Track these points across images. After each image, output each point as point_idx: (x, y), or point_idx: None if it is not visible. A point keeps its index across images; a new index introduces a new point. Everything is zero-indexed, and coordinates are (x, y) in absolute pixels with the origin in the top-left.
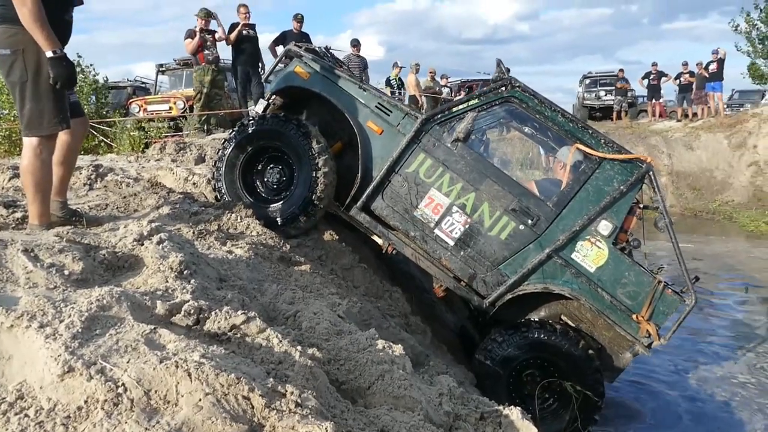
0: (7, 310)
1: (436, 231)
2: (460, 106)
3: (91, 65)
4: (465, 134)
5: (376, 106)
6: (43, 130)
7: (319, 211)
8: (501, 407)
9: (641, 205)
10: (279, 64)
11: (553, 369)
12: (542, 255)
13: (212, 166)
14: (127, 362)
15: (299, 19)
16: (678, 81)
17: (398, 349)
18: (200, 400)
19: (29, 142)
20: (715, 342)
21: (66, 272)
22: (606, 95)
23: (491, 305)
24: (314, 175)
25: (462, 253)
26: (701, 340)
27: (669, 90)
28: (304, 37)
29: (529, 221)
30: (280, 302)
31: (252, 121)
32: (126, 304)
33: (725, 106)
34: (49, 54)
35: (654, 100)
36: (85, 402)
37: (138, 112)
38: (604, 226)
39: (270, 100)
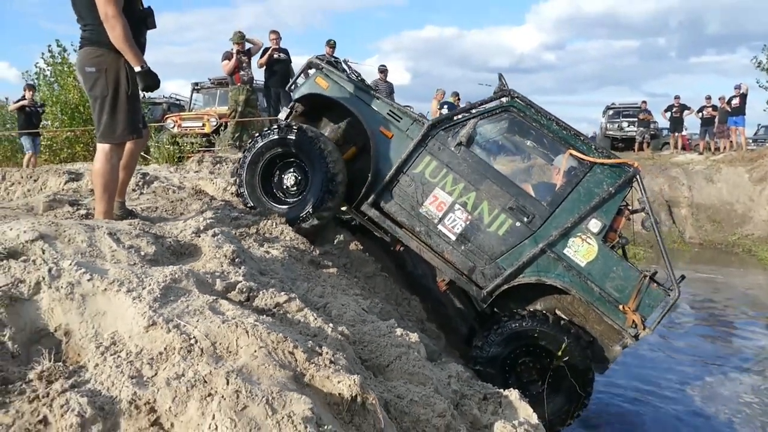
0: (101, 277)
1: (440, 227)
2: (464, 114)
3: None
4: (468, 139)
5: (387, 113)
6: (116, 139)
7: (340, 186)
8: (502, 390)
9: (630, 208)
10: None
11: (539, 351)
12: (536, 249)
13: (235, 194)
14: (197, 321)
15: (331, 44)
16: (701, 114)
17: (414, 336)
18: (255, 351)
19: (102, 148)
20: (724, 365)
21: (142, 253)
22: (629, 126)
23: (489, 295)
24: (323, 156)
25: (463, 247)
26: (711, 363)
27: (695, 123)
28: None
29: (525, 219)
30: (311, 295)
31: (252, 141)
32: (192, 280)
33: (751, 140)
34: (137, 69)
35: (676, 133)
36: (165, 349)
37: (173, 127)
38: (594, 224)
39: (292, 108)
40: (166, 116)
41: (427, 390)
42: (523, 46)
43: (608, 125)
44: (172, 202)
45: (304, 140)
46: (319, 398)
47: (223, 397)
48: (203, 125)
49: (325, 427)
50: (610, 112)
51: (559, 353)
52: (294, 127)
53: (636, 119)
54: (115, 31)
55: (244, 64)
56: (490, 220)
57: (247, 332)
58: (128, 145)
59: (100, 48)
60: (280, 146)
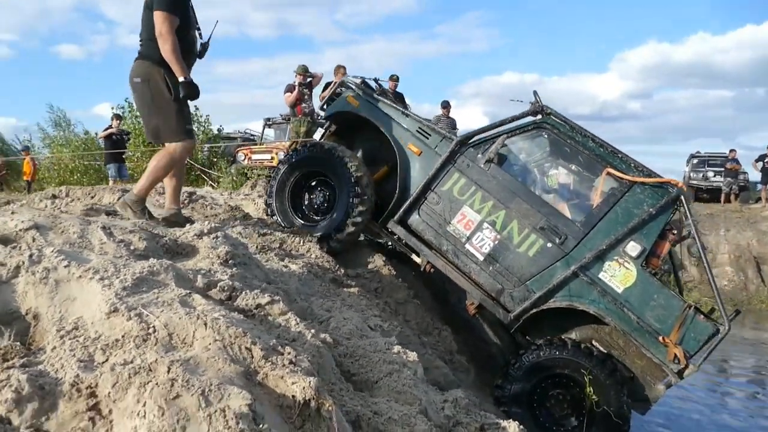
0: (79, 265)
1: (467, 246)
2: (494, 130)
3: (207, 116)
4: (497, 156)
5: (417, 130)
6: (173, 138)
7: (368, 189)
8: (501, 420)
9: (674, 231)
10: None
11: (565, 381)
12: (568, 272)
13: (272, 219)
14: (161, 312)
15: (395, 79)
16: None
17: (412, 355)
18: (210, 344)
19: (170, 145)
20: None
21: (132, 247)
22: (714, 176)
23: (516, 319)
24: (343, 164)
25: (491, 268)
26: None
27: None
28: (398, 97)
29: (557, 239)
30: (317, 308)
31: (275, 170)
32: (172, 274)
33: None
34: (181, 79)
35: None
36: (122, 336)
37: (243, 160)
38: (633, 247)
39: (326, 128)
40: (237, 149)
41: (412, 410)
42: (606, 94)
43: (692, 174)
44: (206, 216)
45: (321, 154)
46: (270, 399)
47: (157, 384)
48: (272, 158)
49: (261, 426)
50: (695, 160)
51: (586, 379)
52: (309, 145)
53: (723, 169)
54: (166, 45)
55: (305, 96)
56: (519, 240)
57: (205, 324)
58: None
59: (145, 61)
60: (302, 167)
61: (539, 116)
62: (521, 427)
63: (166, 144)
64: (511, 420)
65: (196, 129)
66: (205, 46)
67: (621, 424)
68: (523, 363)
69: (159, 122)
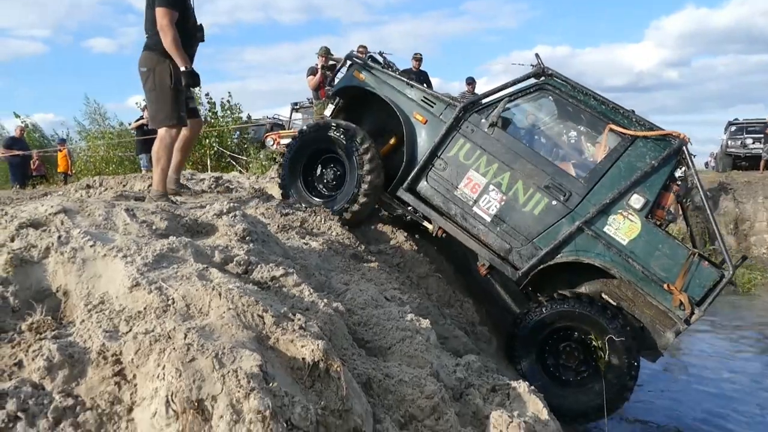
0: (104, 244)
1: (475, 208)
2: (497, 95)
3: (237, 104)
4: (501, 120)
5: (422, 100)
6: (165, 123)
7: (366, 140)
8: (511, 381)
9: (679, 183)
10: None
11: (563, 332)
12: (573, 228)
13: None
14: (179, 285)
15: (418, 58)
16: None
17: (425, 322)
18: (224, 312)
19: (160, 132)
20: None
21: (154, 227)
22: (753, 143)
23: (524, 275)
24: (334, 127)
25: (498, 228)
26: None
27: None
28: (422, 75)
29: (562, 197)
30: (336, 282)
31: (281, 164)
32: (191, 250)
33: None
34: (182, 69)
35: None
36: (144, 308)
37: (272, 145)
38: (636, 200)
39: (336, 104)
40: (266, 135)
41: (423, 372)
42: (641, 63)
43: (730, 142)
44: (230, 198)
45: (310, 133)
46: (281, 361)
47: (174, 348)
48: None
49: (272, 384)
50: (733, 128)
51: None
52: (297, 134)
53: (762, 135)
54: (167, 37)
55: (328, 79)
56: (525, 200)
57: (220, 295)
58: (183, 131)
59: (152, 52)
60: (302, 154)
61: (541, 78)
62: (532, 387)
63: (158, 130)
64: (521, 380)
65: (227, 115)
66: (202, 28)
67: (627, 345)
68: (519, 338)
69: (158, 108)
